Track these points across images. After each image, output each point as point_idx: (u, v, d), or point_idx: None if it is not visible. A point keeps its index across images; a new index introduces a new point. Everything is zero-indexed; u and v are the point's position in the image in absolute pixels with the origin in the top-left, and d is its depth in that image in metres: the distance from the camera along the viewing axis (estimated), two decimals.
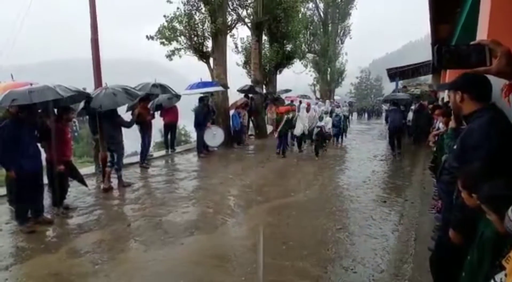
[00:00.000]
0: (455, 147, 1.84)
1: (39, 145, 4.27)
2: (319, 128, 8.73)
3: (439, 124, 4.89)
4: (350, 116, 17.88)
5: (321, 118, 9.12)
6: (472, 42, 1.04)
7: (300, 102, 11.31)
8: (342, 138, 10.95)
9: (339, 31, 23.93)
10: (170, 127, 8.97)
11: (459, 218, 1.63)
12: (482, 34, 2.56)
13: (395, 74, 13.77)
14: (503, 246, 1.15)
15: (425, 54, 11.68)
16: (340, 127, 10.43)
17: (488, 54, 0.99)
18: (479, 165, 1.48)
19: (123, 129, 5.81)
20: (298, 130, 8.66)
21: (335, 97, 19.20)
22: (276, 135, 8.88)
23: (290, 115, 8.61)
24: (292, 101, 15.97)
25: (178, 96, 8.34)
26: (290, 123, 8.61)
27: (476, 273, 1.34)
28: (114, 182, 5.77)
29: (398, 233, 3.86)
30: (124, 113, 6.83)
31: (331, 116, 10.51)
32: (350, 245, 3.54)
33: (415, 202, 4.93)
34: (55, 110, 4.70)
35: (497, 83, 1.15)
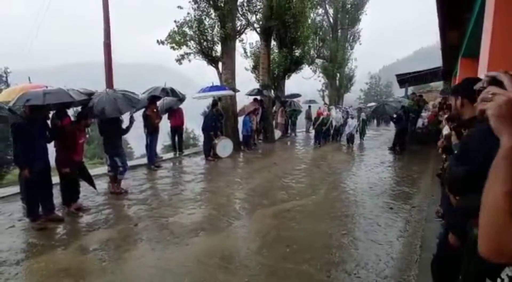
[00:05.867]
0: (455, 151, 1.85)
1: (49, 144, 4.41)
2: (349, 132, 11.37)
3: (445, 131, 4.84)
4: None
5: (344, 121, 11.41)
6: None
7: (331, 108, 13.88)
8: (360, 139, 12.84)
9: (348, 36, 23.83)
10: (176, 130, 9.12)
11: (452, 221, 1.63)
12: (485, 43, 2.55)
13: (404, 80, 13.63)
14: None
15: (437, 60, 11.54)
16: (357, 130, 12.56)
17: None
18: (464, 169, 1.48)
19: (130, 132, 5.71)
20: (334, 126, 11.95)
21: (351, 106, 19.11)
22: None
23: (325, 117, 11.70)
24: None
25: (181, 100, 8.43)
26: (324, 123, 11.65)
27: (469, 277, 1.35)
28: (125, 183, 5.84)
29: (403, 240, 3.82)
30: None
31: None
32: (354, 250, 3.53)
33: (422, 209, 4.87)
34: (74, 113, 4.86)
35: None
